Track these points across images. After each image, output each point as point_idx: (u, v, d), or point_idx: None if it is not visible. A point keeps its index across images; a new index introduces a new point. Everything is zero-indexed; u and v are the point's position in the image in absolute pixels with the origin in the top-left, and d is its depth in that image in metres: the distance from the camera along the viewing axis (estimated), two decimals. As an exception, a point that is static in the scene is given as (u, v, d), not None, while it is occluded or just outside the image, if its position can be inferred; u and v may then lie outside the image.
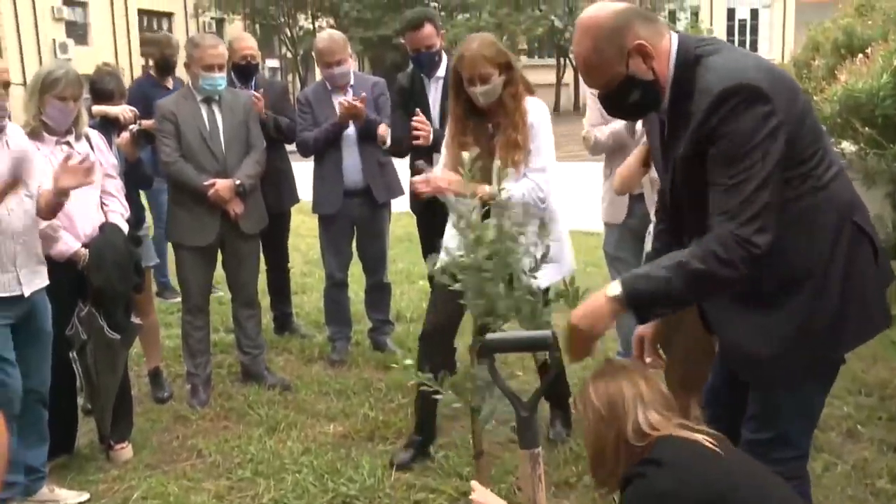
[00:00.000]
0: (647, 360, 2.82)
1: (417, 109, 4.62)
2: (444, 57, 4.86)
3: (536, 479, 2.23)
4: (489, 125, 3.76)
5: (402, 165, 5.15)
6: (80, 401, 4.39)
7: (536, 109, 3.78)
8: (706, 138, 2.23)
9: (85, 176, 3.59)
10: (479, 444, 2.64)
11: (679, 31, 2.50)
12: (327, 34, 5.37)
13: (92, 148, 4.08)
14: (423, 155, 4.50)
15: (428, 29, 4.77)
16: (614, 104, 2.45)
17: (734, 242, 2.17)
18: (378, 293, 5.77)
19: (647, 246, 3.94)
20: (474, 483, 2.57)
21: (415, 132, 4.53)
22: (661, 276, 2.22)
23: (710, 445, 2.08)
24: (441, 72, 4.83)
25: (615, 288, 2.24)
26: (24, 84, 21.65)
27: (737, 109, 2.18)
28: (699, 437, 2.10)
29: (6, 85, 3.39)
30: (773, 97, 2.19)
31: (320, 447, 4.20)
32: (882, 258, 2.43)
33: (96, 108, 4.68)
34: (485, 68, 3.64)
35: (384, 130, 5.12)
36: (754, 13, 33.52)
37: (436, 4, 26.95)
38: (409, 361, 2.63)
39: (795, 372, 2.40)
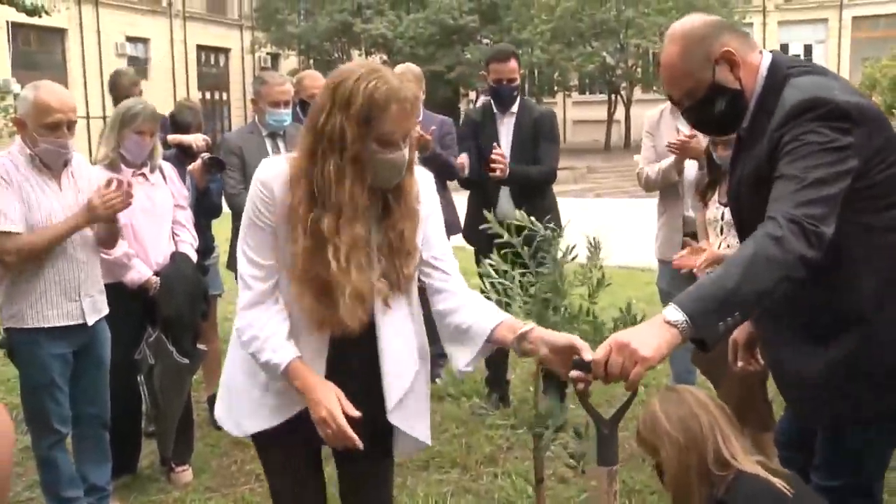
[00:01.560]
0: (740, 364, 2.79)
1: (495, 144, 4.90)
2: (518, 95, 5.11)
3: (612, 496, 2.22)
4: None
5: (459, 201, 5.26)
6: (143, 423, 4.54)
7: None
8: (775, 149, 2.18)
9: (124, 201, 3.55)
10: (540, 470, 2.69)
11: (776, 51, 2.47)
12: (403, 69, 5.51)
13: (165, 179, 4.25)
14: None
15: (513, 63, 5.05)
16: (698, 115, 2.42)
17: (789, 220, 2.02)
18: (431, 326, 5.82)
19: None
20: None
21: (492, 164, 4.71)
22: (717, 276, 2.03)
23: (786, 489, 2.08)
24: (515, 108, 5.08)
25: (673, 313, 1.99)
26: (87, 117, 22.42)
27: (812, 121, 2.13)
28: (777, 481, 2.10)
29: (72, 125, 3.54)
30: (855, 119, 2.14)
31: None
32: None
33: (171, 137, 4.89)
34: None
35: (464, 159, 5.23)
36: (808, 49, 33.28)
37: (488, 42, 27.16)
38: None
39: (847, 406, 2.31)
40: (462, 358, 2.34)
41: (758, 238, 2.04)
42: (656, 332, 1.99)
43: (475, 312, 2.34)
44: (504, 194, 5.04)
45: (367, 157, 2.15)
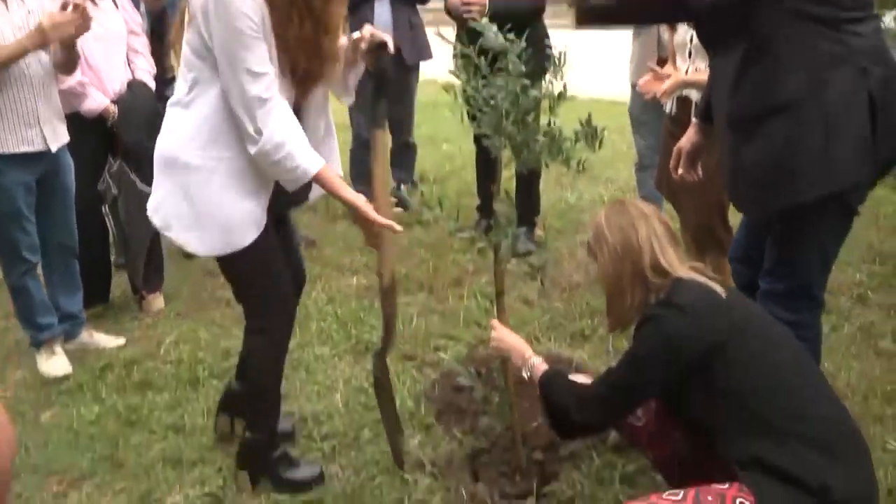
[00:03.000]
0: (681, 171, 2.97)
1: None
2: None
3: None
4: None
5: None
6: (113, 256, 4.58)
7: None
8: None
9: (82, 25, 3.40)
10: (500, 282, 2.74)
11: None
12: None
13: (116, 5, 4.10)
14: None
15: None
16: None
17: None
18: (403, 154, 5.82)
19: (667, 107, 3.93)
20: (494, 321, 2.69)
21: (466, 5, 4.53)
22: None
23: (722, 293, 2.17)
24: None
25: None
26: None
27: None
28: (712, 284, 2.18)
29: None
30: None
31: (344, 298, 4.36)
32: (882, 122, 2.36)
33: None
34: None
35: None
36: None
37: None
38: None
39: (787, 193, 2.42)
40: None
41: None
42: None
43: None
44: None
45: None
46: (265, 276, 2.71)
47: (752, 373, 2.09)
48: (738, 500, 2.01)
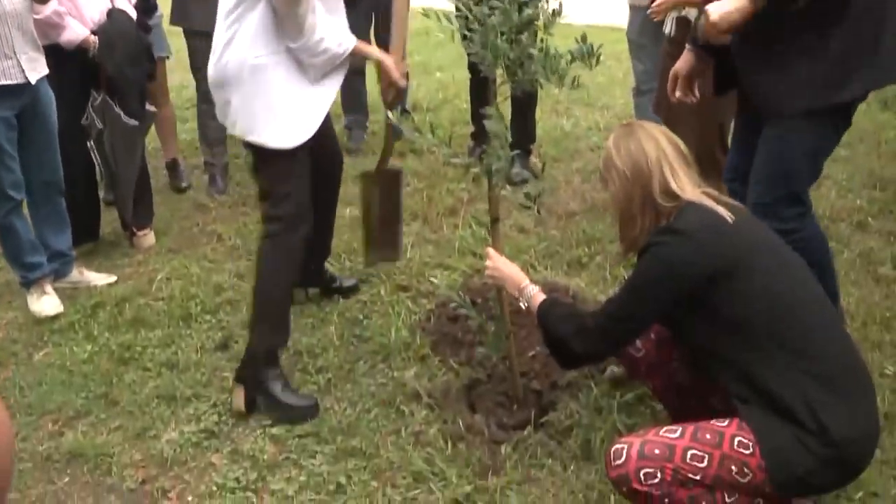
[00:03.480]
0: (678, 94, 2.93)
1: None
2: None
3: None
4: None
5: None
6: (102, 193, 4.50)
7: None
8: None
9: None
10: (495, 208, 2.67)
11: None
12: None
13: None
14: None
15: None
16: None
17: None
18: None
19: (667, 28, 3.82)
20: (489, 250, 2.63)
21: None
22: None
23: (730, 219, 2.08)
24: None
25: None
26: None
27: None
28: (721, 209, 2.09)
29: None
30: None
31: (338, 229, 4.24)
32: None
33: None
34: None
35: None
36: None
37: None
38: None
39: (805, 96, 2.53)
40: None
41: None
42: None
43: None
44: None
45: None
46: (301, 177, 2.93)
47: (756, 303, 2.02)
48: (736, 439, 1.97)
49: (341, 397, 2.99)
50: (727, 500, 2.00)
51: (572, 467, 2.59)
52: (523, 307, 2.44)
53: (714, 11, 2.47)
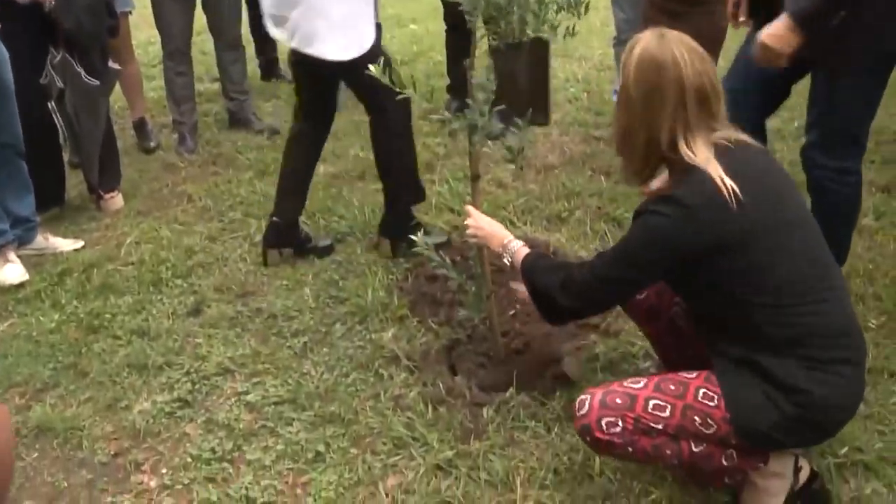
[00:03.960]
0: (741, 19, 2.97)
1: None
2: None
3: None
4: None
5: None
6: (66, 156, 4.35)
7: None
8: None
9: None
10: (476, 166, 2.56)
11: None
12: None
13: None
14: None
15: None
16: None
17: None
18: None
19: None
20: (469, 207, 2.54)
21: None
22: None
23: (736, 192, 1.88)
24: None
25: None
26: None
27: None
28: (727, 183, 1.88)
29: None
30: None
31: (311, 187, 4.15)
32: None
33: None
34: None
35: None
36: None
37: None
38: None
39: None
40: None
41: None
42: None
43: None
44: None
45: None
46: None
47: (754, 284, 1.92)
48: (701, 391, 1.96)
49: (318, 361, 2.92)
50: (694, 449, 1.99)
51: (556, 429, 2.53)
52: (507, 262, 2.34)
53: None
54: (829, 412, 1.95)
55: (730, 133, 1.99)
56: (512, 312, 3.10)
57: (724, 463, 2.03)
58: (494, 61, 3.50)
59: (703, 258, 1.92)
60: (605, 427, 1.96)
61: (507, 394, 2.68)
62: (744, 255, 1.91)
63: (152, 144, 4.81)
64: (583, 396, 2.03)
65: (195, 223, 3.91)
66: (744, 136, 2.01)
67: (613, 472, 2.37)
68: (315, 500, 2.35)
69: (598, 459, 2.39)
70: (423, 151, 4.50)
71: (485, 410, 2.62)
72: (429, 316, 3.12)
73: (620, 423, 1.96)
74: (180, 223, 3.92)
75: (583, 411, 2.00)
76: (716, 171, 1.91)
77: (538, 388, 2.70)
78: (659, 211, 1.94)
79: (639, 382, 2.02)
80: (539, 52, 3.43)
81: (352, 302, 3.21)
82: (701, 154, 1.94)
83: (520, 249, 2.31)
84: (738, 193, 1.89)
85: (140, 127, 4.86)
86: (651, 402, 1.96)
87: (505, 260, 2.35)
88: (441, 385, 2.73)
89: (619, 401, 1.97)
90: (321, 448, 2.51)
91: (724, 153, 1.95)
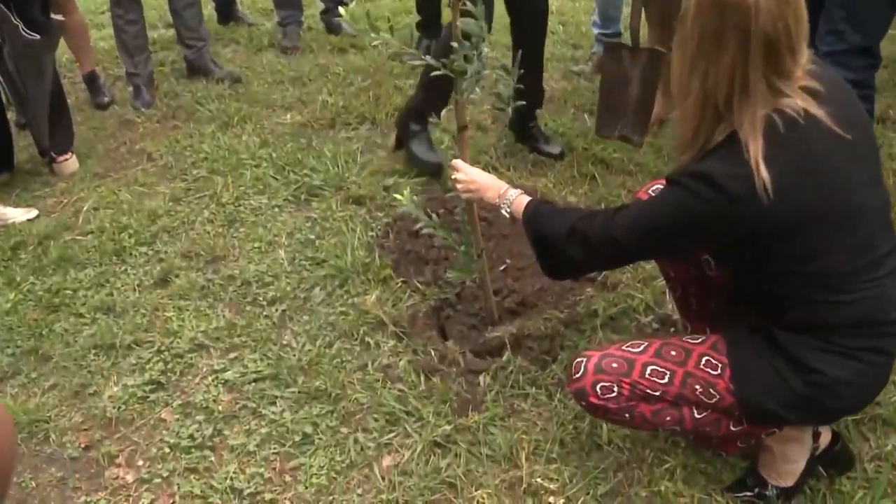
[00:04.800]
0: None
1: None
2: None
3: None
4: None
5: None
6: (12, 116, 4.05)
7: None
8: None
9: None
10: (462, 115, 2.33)
11: None
12: None
13: None
14: None
15: None
16: None
17: None
18: None
19: None
20: (457, 161, 2.32)
21: None
22: None
23: (776, 183, 1.60)
24: None
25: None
26: None
27: None
28: (764, 173, 1.59)
29: None
30: None
31: (278, 139, 3.93)
32: None
33: None
34: None
35: None
36: None
37: None
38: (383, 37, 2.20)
39: None
40: None
41: None
42: None
43: None
44: None
45: None
46: None
47: (794, 271, 1.70)
48: (704, 358, 1.82)
49: (298, 331, 2.73)
50: (696, 415, 1.85)
51: (558, 395, 2.38)
52: (506, 214, 2.13)
53: None
54: (843, 396, 1.78)
55: (797, 101, 1.65)
56: (503, 268, 2.92)
57: (733, 429, 1.89)
58: (605, 61, 3.39)
59: (742, 242, 1.70)
60: (599, 392, 1.85)
61: (504, 358, 2.51)
62: (788, 243, 1.68)
63: (106, 99, 4.50)
64: (579, 359, 1.91)
65: (157, 184, 3.65)
66: (814, 105, 1.66)
67: (623, 439, 2.23)
68: (306, 488, 2.18)
69: (605, 427, 2.24)
70: (394, 95, 4.27)
71: (481, 378, 2.46)
72: (414, 275, 2.93)
73: (616, 389, 1.84)
74: (141, 184, 3.66)
75: (578, 374, 1.89)
76: (755, 153, 1.61)
77: (536, 349, 2.53)
78: (698, 193, 1.65)
79: (639, 346, 1.89)
80: (655, 62, 3.19)
81: (330, 263, 3.00)
82: (749, 124, 1.63)
83: (519, 197, 2.11)
84: (777, 184, 1.60)
85: (91, 81, 4.54)
86: (649, 368, 1.84)
87: (503, 211, 2.14)
88: (432, 352, 2.56)
89: (615, 365, 1.85)
90: (308, 429, 2.34)
91: (775, 129, 1.63)
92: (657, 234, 1.78)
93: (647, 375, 1.83)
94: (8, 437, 0.95)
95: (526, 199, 2.10)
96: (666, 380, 1.82)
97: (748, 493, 2.05)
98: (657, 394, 1.83)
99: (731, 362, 1.81)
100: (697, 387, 1.81)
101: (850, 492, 2.06)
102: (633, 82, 3.22)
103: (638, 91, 3.23)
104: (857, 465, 2.12)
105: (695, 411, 1.85)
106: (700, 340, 1.88)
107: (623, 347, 1.90)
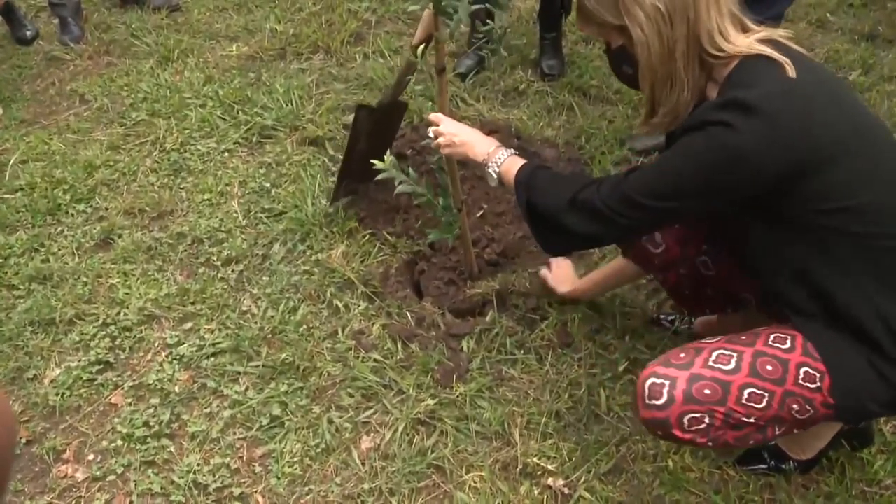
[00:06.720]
0: None
1: None
2: None
3: None
4: None
5: None
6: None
7: None
8: None
9: None
10: (441, 56, 2.02)
11: None
12: None
13: None
14: None
15: None
16: None
17: None
18: None
19: None
20: (436, 115, 2.02)
21: None
22: None
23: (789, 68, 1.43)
24: None
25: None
26: None
27: None
28: (782, 59, 1.45)
29: None
30: None
31: (224, 74, 3.59)
32: None
33: None
34: None
35: None
36: None
37: None
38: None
39: None
40: None
41: None
42: None
43: None
44: None
45: None
46: None
47: (834, 205, 1.46)
48: (802, 370, 1.52)
49: (258, 295, 2.48)
50: (777, 432, 1.60)
51: (549, 358, 2.18)
52: (493, 176, 1.86)
53: None
54: None
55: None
56: (479, 213, 2.68)
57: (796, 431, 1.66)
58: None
59: (779, 182, 1.45)
60: (686, 424, 1.52)
61: (487, 318, 2.30)
62: (829, 173, 1.45)
63: (29, 34, 4.08)
64: (656, 380, 1.54)
65: (93, 129, 3.31)
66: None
67: (623, 407, 2.05)
68: (279, 479, 1.97)
69: (603, 394, 2.05)
70: (349, 20, 3.93)
71: (464, 343, 2.24)
72: (382, 226, 2.67)
73: (707, 420, 1.52)
74: (74, 131, 3.32)
75: (659, 402, 1.53)
76: (767, 50, 1.45)
77: (522, 307, 2.32)
78: (725, 122, 1.42)
79: (729, 361, 1.54)
80: (394, 115, 2.74)
81: (290, 216, 2.74)
82: (740, 41, 1.48)
83: (510, 159, 1.84)
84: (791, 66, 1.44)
85: (7, 13, 4.09)
86: (746, 392, 1.52)
87: (490, 172, 1.86)
88: (409, 315, 2.34)
89: (708, 392, 1.51)
90: (276, 410, 2.12)
91: (768, 43, 1.49)
92: (680, 188, 1.52)
93: (743, 401, 1.52)
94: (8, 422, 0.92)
95: (519, 161, 1.83)
96: (764, 403, 1.53)
97: (762, 466, 1.89)
98: (751, 421, 1.54)
99: (829, 369, 1.52)
100: (795, 406, 1.54)
101: (870, 459, 1.91)
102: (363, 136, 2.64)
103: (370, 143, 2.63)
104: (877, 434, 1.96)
105: (777, 428, 1.58)
106: (788, 345, 1.56)
107: (710, 361, 1.55)
